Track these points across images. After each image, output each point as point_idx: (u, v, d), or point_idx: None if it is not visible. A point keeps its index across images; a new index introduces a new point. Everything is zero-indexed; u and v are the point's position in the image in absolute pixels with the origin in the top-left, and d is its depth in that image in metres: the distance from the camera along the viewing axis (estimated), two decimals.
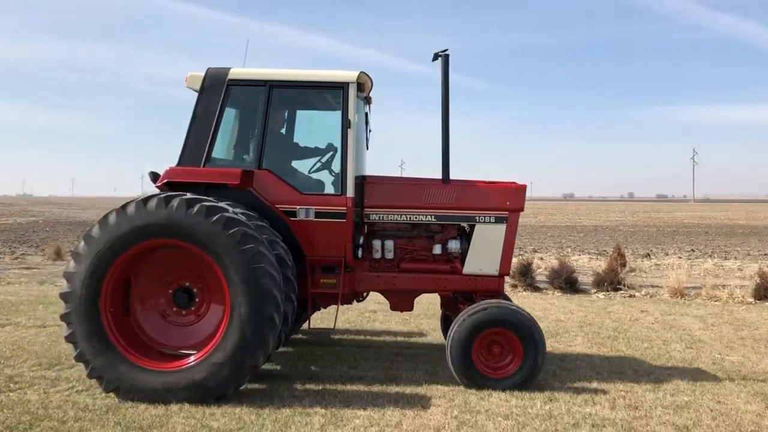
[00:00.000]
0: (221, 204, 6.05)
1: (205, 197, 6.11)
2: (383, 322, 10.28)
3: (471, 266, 7.14)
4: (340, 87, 6.76)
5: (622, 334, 9.55)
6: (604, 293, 13.75)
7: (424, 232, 7.32)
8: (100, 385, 6.11)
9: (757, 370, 7.63)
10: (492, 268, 7.13)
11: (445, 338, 8.23)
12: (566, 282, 13.93)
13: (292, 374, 7.14)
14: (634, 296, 13.56)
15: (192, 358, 6.08)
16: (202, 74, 6.84)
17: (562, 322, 10.30)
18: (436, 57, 6.92)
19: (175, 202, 5.93)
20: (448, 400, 6.21)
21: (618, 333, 9.63)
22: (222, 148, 7.10)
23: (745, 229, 42.67)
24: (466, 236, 7.30)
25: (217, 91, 6.73)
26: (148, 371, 6.01)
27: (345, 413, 5.79)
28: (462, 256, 7.22)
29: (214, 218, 5.87)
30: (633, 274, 16.38)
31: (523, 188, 7.25)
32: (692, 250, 25.75)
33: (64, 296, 6.09)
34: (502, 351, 6.60)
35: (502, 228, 7.10)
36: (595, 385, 6.82)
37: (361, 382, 6.83)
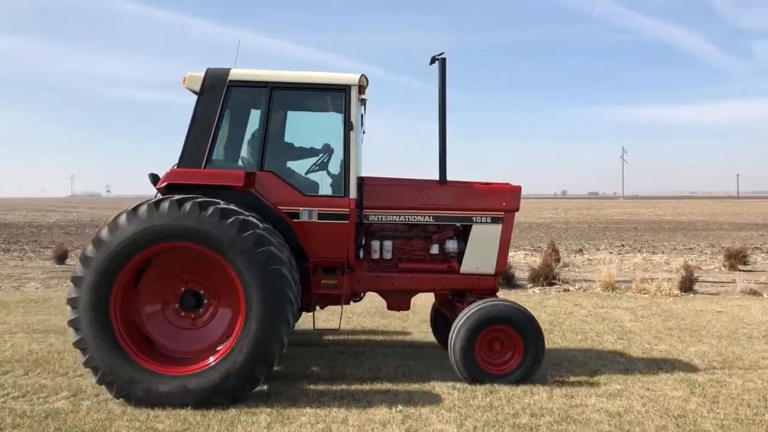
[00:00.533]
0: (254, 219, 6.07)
1: (238, 209, 6.08)
2: (326, 321, 10.32)
3: (468, 265, 7.28)
4: (342, 89, 6.77)
5: (558, 327, 9.89)
6: (539, 288, 14.19)
7: (421, 233, 7.43)
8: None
9: (682, 358, 8.05)
10: (488, 267, 7.29)
11: (435, 336, 8.58)
12: (503, 278, 14.26)
13: None
14: (569, 290, 14.04)
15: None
16: (202, 75, 6.72)
17: None
18: (433, 60, 7.04)
19: (209, 209, 5.93)
20: (393, 395, 6.35)
21: (553, 326, 9.97)
22: (222, 149, 7.02)
23: (672, 224, 44.51)
24: (462, 236, 7.40)
25: (217, 91, 6.65)
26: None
27: (291, 411, 5.84)
28: (459, 255, 7.35)
29: (247, 234, 5.91)
30: (567, 269, 16.90)
31: (518, 189, 7.43)
32: (622, 245, 26.72)
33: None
34: (503, 347, 6.76)
35: (498, 228, 7.28)
36: (534, 375, 7.07)
37: (306, 381, 6.89)
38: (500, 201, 7.33)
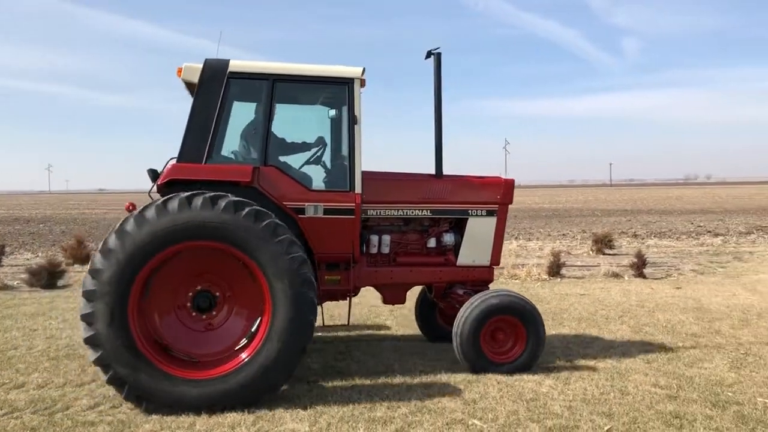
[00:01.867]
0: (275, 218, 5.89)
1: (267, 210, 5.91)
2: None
3: (465, 258, 7.39)
4: (346, 83, 6.60)
5: None
6: None
7: (418, 227, 7.45)
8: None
9: None
10: (484, 258, 7.44)
11: (419, 326, 8.58)
12: None
13: (74, 380, 6.62)
14: None
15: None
16: (199, 66, 6.37)
17: (376, 307, 10.51)
18: (428, 55, 7.04)
19: (245, 209, 5.74)
20: None
21: None
22: (222, 143, 6.65)
23: (548, 212, 46.57)
24: (458, 229, 7.45)
25: (217, 83, 6.33)
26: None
27: (136, 419, 5.47)
28: (455, 248, 7.44)
29: (280, 238, 5.76)
30: None
31: (512, 182, 7.61)
32: None
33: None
34: (506, 336, 6.87)
35: (493, 221, 7.43)
36: (395, 366, 7.06)
37: None
38: (495, 194, 7.48)
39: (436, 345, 8.11)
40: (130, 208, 6.01)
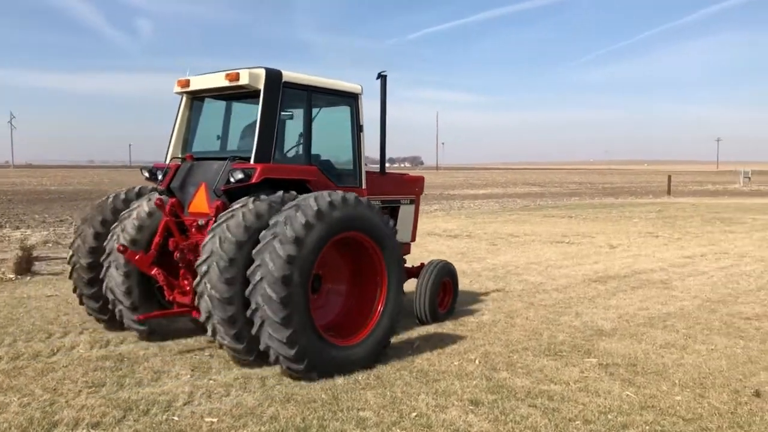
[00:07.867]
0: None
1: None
2: None
3: (398, 237, 8.31)
4: (354, 96, 7.99)
5: None
6: None
7: None
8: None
9: None
10: (408, 237, 9.39)
11: None
12: None
13: None
14: None
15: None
16: (262, 72, 7.00)
17: None
18: (379, 76, 8.38)
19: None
20: None
21: None
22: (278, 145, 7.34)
23: (54, 194, 42.21)
24: (392, 215, 8.87)
25: (276, 91, 7.09)
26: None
27: None
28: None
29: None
30: None
31: (424, 178, 9.81)
32: None
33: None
34: (440, 292, 8.86)
35: (413, 207, 9.47)
36: None
37: None
38: (414, 187, 9.49)
39: None
40: (158, 203, 6.99)
